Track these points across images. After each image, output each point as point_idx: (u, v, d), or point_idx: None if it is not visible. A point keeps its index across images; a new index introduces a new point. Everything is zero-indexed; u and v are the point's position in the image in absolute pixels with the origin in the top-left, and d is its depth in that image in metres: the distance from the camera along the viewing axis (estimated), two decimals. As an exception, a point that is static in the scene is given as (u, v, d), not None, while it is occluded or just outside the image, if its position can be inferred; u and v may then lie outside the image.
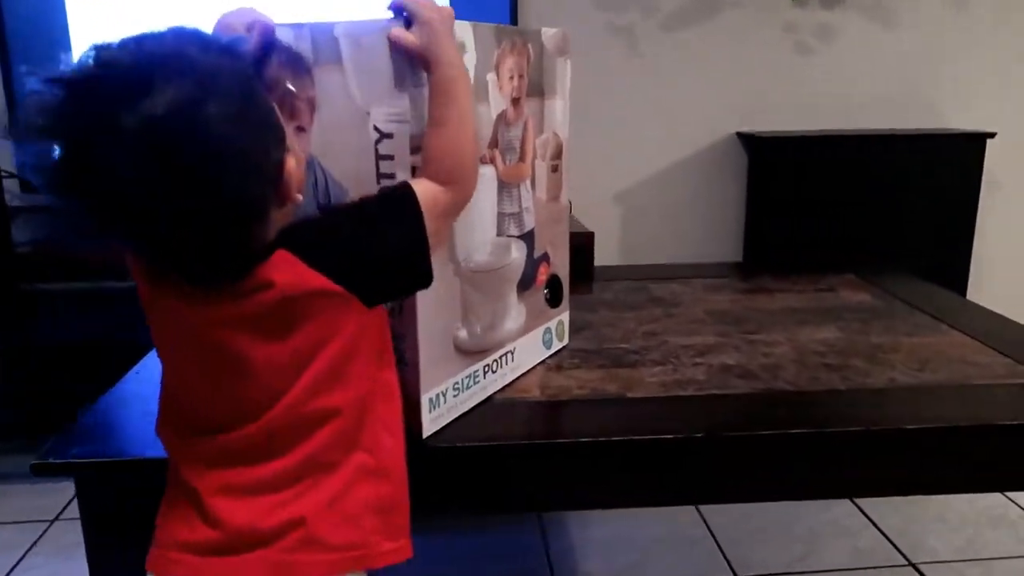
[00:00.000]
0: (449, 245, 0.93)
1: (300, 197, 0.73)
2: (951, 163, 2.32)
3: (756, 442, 0.98)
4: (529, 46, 1.06)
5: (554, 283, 1.20)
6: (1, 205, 1.84)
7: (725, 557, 1.66)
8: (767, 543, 1.71)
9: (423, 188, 0.78)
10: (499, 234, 1.04)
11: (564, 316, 1.24)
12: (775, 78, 2.44)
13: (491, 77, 0.98)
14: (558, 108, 1.15)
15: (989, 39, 2.47)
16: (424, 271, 0.78)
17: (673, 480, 1.00)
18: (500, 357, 1.08)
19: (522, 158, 1.07)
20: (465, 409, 1.01)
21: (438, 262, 0.80)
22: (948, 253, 2.37)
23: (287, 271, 0.69)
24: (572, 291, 1.25)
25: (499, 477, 0.99)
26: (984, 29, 2.46)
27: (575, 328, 1.31)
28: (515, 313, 1.10)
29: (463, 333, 0.99)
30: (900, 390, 1.08)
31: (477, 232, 1.00)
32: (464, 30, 0.91)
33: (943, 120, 2.51)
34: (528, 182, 1.09)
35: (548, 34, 1.10)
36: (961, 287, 2.36)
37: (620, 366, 1.17)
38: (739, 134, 2.45)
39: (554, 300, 1.20)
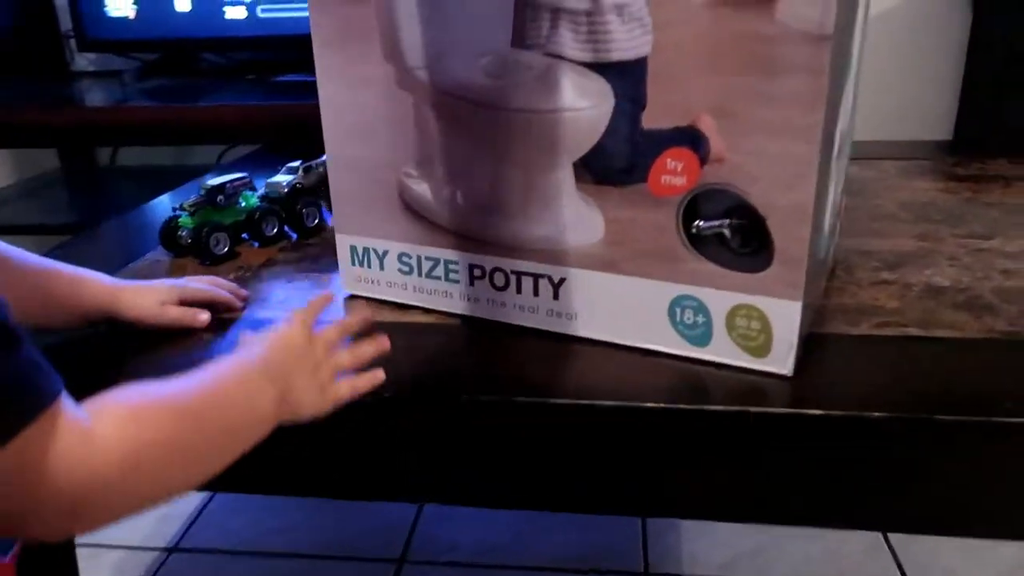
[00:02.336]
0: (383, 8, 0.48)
1: None
2: None
3: (995, 434, 0.50)
4: None
5: (744, 218, 0.50)
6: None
7: (897, 562, 1.18)
8: (960, 557, 1.20)
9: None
10: (524, 41, 0.52)
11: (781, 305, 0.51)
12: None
13: None
14: None
15: None
16: None
17: (818, 492, 0.54)
18: (511, 274, 0.58)
19: None
20: (418, 302, 0.62)
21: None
22: None
23: None
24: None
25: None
26: None
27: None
28: (565, 209, 0.54)
29: (420, 187, 0.55)
30: None
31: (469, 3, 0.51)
32: None
33: None
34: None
35: None
36: None
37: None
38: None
39: (744, 243, 0.51)
